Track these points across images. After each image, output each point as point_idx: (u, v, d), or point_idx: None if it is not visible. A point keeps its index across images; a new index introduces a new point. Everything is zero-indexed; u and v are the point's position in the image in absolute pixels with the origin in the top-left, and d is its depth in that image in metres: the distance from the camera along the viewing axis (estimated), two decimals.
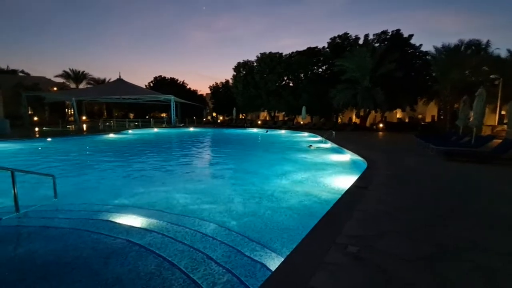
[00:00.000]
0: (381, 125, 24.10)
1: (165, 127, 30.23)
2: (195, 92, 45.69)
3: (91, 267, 2.81)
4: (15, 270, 2.77)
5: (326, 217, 3.57)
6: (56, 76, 40.75)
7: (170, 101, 31.25)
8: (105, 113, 46.36)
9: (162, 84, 42.11)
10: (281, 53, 30.02)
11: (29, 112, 31.46)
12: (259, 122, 33.11)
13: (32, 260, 2.95)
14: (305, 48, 28.98)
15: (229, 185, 6.96)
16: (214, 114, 45.50)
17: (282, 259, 3.03)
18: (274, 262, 3.04)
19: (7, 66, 39.90)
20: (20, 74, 38.69)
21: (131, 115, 46.02)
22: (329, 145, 14.07)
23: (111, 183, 7.15)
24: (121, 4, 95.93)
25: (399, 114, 31.34)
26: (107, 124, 31.25)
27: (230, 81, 36.27)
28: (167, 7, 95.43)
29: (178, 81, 44.66)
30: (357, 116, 26.19)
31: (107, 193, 6.16)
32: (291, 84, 30.73)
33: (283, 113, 33.29)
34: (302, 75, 29.23)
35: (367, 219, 3.44)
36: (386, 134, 20.14)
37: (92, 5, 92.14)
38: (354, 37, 26.15)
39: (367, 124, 25.90)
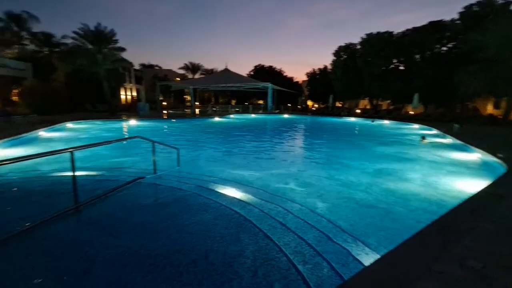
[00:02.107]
0: None
1: (262, 113, 32.07)
2: (291, 79, 46.13)
3: (203, 224, 3.42)
4: (153, 213, 3.69)
5: (440, 222, 3.06)
6: (179, 68, 49.61)
7: (267, 88, 32.74)
8: (213, 100, 53.09)
9: (261, 72, 44.48)
10: (391, 32, 26.18)
11: (160, 98, 39.65)
12: (358, 110, 30.50)
13: (164, 209, 3.85)
14: (425, 23, 24.23)
15: (323, 173, 6.86)
16: (309, 102, 44.84)
17: (378, 256, 2.85)
18: (367, 257, 2.89)
19: (148, 62, 51.38)
20: (156, 68, 49.11)
21: (233, 102, 50.97)
22: (449, 140, 11.62)
23: (216, 159, 8.30)
24: (228, 2, 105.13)
25: None
26: (214, 109, 35.99)
27: (329, 67, 34.58)
28: None
29: (276, 69, 46.05)
30: (496, 106, 20.28)
31: (213, 167, 7.22)
32: (401, 68, 26.61)
33: (388, 101, 29.42)
34: (417, 56, 24.76)
35: (500, 233, 2.74)
36: None
37: (205, 5, 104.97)
38: (501, 1, 19.87)
39: None
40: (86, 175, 5.39)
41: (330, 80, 31.99)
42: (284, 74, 45.96)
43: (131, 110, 26.29)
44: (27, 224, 3.11)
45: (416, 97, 22.61)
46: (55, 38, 31.51)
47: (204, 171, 6.55)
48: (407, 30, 25.35)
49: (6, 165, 2.86)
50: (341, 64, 29.70)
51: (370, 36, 27.08)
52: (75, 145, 3.73)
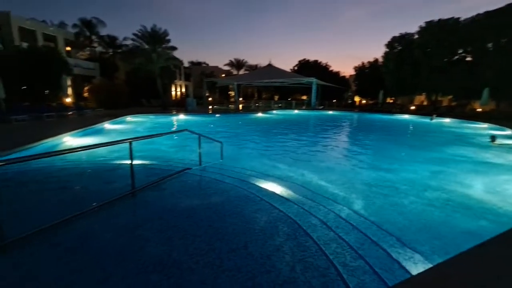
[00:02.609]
0: None
1: (305, 109, 31.43)
2: (337, 74, 44.13)
3: (243, 216, 3.53)
4: (198, 202, 3.94)
5: (507, 236, 2.67)
6: (225, 65, 51.23)
7: (311, 83, 31.85)
8: (256, 95, 53.71)
9: (305, 67, 43.40)
10: (457, 18, 23.17)
11: (206, 94, 41.57)
12: (412, 107, 27.83)
13: (208, 199, 4.07)
14: (501, 5, 20.87)
15: (369, 173, 6.50)
16: (356, 98, 42.45)
17: (430, 265, 2.63)
18: (416, 266, 2.68)
19: (196, 59, 54.15)
20: (203, 65, 51.52)
21: (276, 97, 50.87)
22: None
23: (257, 154, 8.44)
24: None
25: None
26: (256, 104, 36.40)
27: (380, 59, 32.18)
28: None
29: (321, 63, 44.50)
30: None
31: (254, 161, 7.36)
32: (468, 59, 23.46)
33: (450, 97, 26.26)
34: (489, 45, 21.53)
35: None
36: None
37: (253, 2, 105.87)
38: None
39: None
40: (140, 164, 5.97)
41: (381, 74, 29.76)
42: (330, 69, 44.17)
43: (180, 105, 28.14)
44: (93, 204, 3.59)
45: (486, 92, 19.79)
46: (118, 40, 35.15)
47: (245, 165, 6.72)
48: (477, 15, 22.17)
49: (75, 152, 3.34)
50: (395, 56, 27.38)
51: (430, 24, 24.39)
52: (133, 136, 4.16)
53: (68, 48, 27.10)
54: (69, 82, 21.40)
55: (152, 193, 4.28)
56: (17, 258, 2.54)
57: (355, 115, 25.80)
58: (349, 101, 41.02)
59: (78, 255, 2.60)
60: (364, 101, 40.16)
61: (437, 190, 5.22)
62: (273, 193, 4.51)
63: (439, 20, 23.86)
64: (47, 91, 17.71)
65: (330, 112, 27.85)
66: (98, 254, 2.63)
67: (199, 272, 2.37)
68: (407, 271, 2.58)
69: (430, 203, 4.59)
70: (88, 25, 32.91)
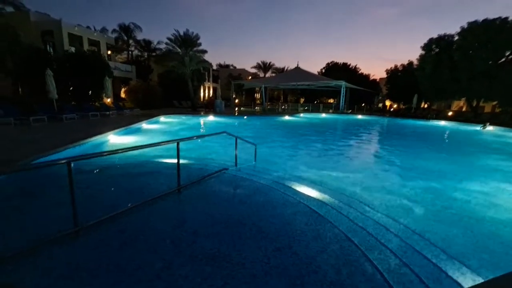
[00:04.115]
0: None
1: (332, 112, 30.87)
2: (367, 77, 42.83)
3: (284, 217, 3.66)
4: (238, 201, 4.13)
5: None
6: (252, 68, 51.99)
7: (340, 86, 31.25)
8: (282, 98, 53.70)
9: (333, 69, 42.67)
10: (506, 18, 21.47)
11: (233, 96, 42.37)
12: (450, 113, 26.19)
13: (247, 198, 4.26)
14: None
15: (409, 181, 6.34)
16: (387, 102, 40.81)
17: (481, 280, 2.58)
18: (464, 278, 2.63)
19: (224, 62, 55.46)
20: (231, 67, 52.61)
21: (301, 100, 50.47)
22: None
23: (288, 157, 8.54)
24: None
25: None
26: (283, 107, 36.42)
27: (415, 62, 30.70)
28: None
29: (350, 66, 43.48)
30: None
31: (286, 164, 7.48)
32: None
33: (495, 102, 24.36)
34: None
35: None
36: None
37: (280, 5, 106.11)
38: None
39: None
40: (182, 163, 6.33)
41: (415, 78, 28.36)
42: (360, 72, 42.99)
43: (208, 106, 28.97)
44: (149, 199, 3.93)
45: None
46: (153, 44, 37.08)
47: (278, 168, 6.87)
48: None
49: (128, 152, 3.70)
50: (432, 59, 25.94)
51: (474, 24, 22.82)
52: (168, 134, 4.48)
53: (109, 52, 29.16)
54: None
55: (195, 191, 4.57)
56: (89, 242, 2.90)
57: (385, 120, 24.85)
58: (379, 106, 39.53)
59: (139, 243, 2.90)
60: (395, 106, 38.50)
61: (485, 200, 4.98)
62: (309, 197, 4.59)
63: (484, 20, 22.26)
64: (91, 92, 19.24)
65: (360, 117, 27.09)
66: (156, 243, 2.91)
67: (249, 266, 2.54)
68: (457, 283, 2.55)
69: (478, 215, 4.40)
70: (126, 30, 35.17)
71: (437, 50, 26.16)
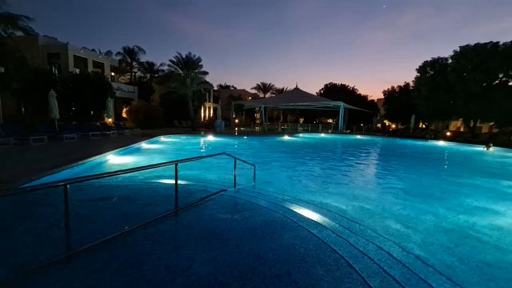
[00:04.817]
0: None
1: (331, 132, 31.10)
2: (365, 97, 43.67)
3: (283, 241, 3.57)
4: (236, 224, 4.04)
5: None
6: (252, 88, 53.26)
7: (339, 107, 31.76)
8: (281, 118, 54.38)
9: (332, 90, 43.63)
10: (496, 42, 22.30)
11: (233, 116, 42.94)
12: (448, 133, 26.38)
13: (245, 221, 4.16)
14: None
15: (408, 203, 6.25)
16: (385, 122, 41.27)
17: None
18: None
19: (225, 83, 56.91)
20: (231, 88, 53.87)
21: (301, 120, 51.08)
22: None
23: (288, 178, 8.46)
24: (301, 22, 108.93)
25: None
26: (282, 127, 36.75)
27: (411, 84, 31.46)
28: (343, 14, 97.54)
29: (348, 87, 44.47)
30: None
31: (286, 185, 7.41)
32: (511, 83, 22.18)
33: (491, 123, 24.63)
34: None
35: None
36: None
37: (281, 28, 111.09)
38: None
39: None
40: (180, 184, 6.27)
41: (412, 99, 28.91)
42: (358, 92, 43.90)
43: (208, 126, 29.25)
44: (145, 221, 3.85)
45: None
46: (155, 66, 38.17)
47: (277, 189, 6.79)
48: None
49: (127, 173, 3.67)
50: (427, 81, 26.62)
51: (466, 48, 23.67)
52: (167, 154, 4.47)
53: (113, 73, 29.92)
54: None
55: (192, 213, 4.48)
56: (81, 268, 2.80)
57: (384, 140, 24.97)
58: (376, 126, 39.92)
59: (133, 270, 2.79)
60: (393, 126, 38.89)
61: (491, 223, 4.86)
62: (309, 219, 4.50)
63: (476, 44, 23.10)
64: (92, 111, 19.49)
65: (359, 137, 27.24)
66: (150, 269, 2.80)
67: None
68: None
69: (484, 240, 4.28)
70: (130, 52, 36.37)
71: (431, 72, 26.91)
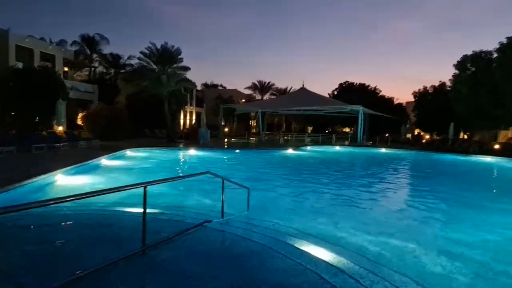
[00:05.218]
0: None
1: (348, 145, 31.32)
2: (390, 100, 44.38)
3: None
4: (224, 267, 3.94)
5: None
6: (246, 88, 53.77)
7: (357, 112, 32.07)
8: (284, 126, 54.71)
9: (348, 91, 44.26)
10: None
11: (222, 123, 43.16)
12: (497, 146, 26.72)
13: (236, 264, 4.07)
14: None
15: (449, 242, 6.23)
16: (418, 131, 41.78)
17: None
18: None
19: (211, 81, 57.59)
20: (219, 87, 54.45)
21: (309, 129, 51.44)
22: None
23: (293, 206, 8.42)
24: (309, 6, 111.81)
25: None
26: (285, 138, 36.91)
27: (448, 83, 32.14)
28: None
29: (369, 87, 45.22)
30: None
31: (290, 215, 7.34)
32: None
33: None
34: None
35: None
36: None
37: (281, 14, 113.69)
38: None
39: None
40: (149, 213, 6.16)
41: (450, 102, 29.43)
42: (381, 94, 44.63)
43: (190, 137, 29.27)
44: (101, 265, 3.73)
45: None
46: (122, 59, 38.57)
47: (278, 220, 6.71)
48: None
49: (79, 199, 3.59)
50: (468, 79, 27.24)
51: None
52: (135, 176, 4.40)
53: (66, 68, 30.06)
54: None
55: (165, 252, 4.37)
56: None
57: (417, 156, 25.14)
58: (408, 136, 40.34)
59: None
60: (427, 136, 39.33)
61: None
62: (320, 260, 4.41)
63: None
64: (37, 117, 19.41)
65: (384, 150, 27.46)
66: None
67: None
68: None
69: None
70: (90, 42, 36.74)
71: (473, 69, 27.58)
